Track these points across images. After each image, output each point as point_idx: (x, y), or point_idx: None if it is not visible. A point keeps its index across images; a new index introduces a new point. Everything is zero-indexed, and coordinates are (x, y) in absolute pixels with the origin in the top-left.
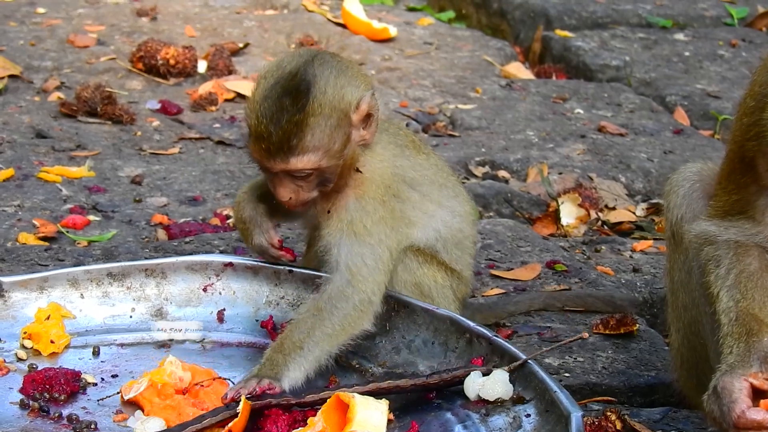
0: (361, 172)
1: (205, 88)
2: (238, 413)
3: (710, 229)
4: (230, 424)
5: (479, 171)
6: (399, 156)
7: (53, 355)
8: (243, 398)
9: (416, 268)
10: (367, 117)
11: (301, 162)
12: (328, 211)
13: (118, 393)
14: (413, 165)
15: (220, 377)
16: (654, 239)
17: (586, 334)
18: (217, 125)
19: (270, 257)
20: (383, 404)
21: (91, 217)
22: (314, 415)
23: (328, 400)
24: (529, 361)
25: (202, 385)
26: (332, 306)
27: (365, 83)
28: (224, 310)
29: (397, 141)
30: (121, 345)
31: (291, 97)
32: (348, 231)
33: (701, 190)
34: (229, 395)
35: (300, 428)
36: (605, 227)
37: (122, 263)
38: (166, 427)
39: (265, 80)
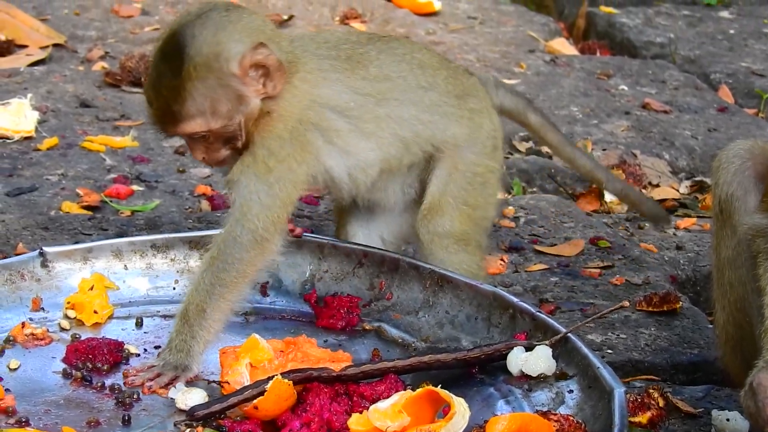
0: (269, 113)
1: None
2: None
3: (763, 222)
4: (255, 401)
5: (523, 146)
6: (321, 84)
7: (96, 325)
8: (277, 376)
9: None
10: (262, 69)
11: (189, 126)
12: None
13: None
14: (345, 89)
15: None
16: (698, 217)
17: (626, 303)
18: None
19: None
20: (465, 405)
21: (135, 187)
22: (356, 388)
23: (416, 392)
24: (572, 336)
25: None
26: (224, 254)
27: (254, 35)
28: (268, 283)
29: (322, 65)
30: (164, 316)
31: (167, 62)
32: (247, 172)
33: (752, 168)
34: (136, 382)
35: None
36: None
37: (166, 235)
38: (207, 399)
39: (157, 42)
